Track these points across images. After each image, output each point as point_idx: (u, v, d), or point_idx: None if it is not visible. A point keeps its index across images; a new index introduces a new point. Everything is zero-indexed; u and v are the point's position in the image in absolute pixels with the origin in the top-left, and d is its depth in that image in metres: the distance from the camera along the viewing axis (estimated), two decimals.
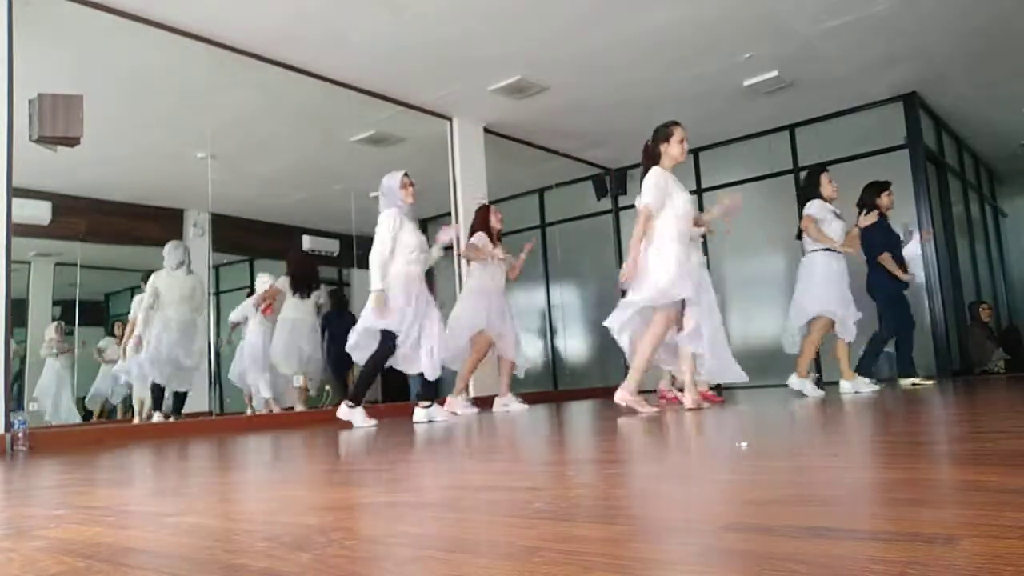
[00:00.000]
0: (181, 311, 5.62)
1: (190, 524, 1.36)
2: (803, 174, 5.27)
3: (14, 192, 4.08)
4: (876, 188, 5.39)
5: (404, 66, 5.63)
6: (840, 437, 2.41)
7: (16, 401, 4.98)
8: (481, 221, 5.53)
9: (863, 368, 5.12)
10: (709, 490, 1.49)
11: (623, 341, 4.16)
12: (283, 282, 6.22)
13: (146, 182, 6.43)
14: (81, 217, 5.97)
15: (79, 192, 5.92)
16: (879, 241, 5.27)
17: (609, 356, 8.33)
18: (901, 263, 5.31)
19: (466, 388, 5.51)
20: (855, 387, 4.86)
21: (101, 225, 6.13)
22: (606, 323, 4.16)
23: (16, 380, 5.09)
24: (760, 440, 2.39)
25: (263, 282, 6.29)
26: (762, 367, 5.81)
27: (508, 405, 5.45)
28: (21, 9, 4.19)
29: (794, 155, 7.41)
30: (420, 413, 4.50)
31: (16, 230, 4.12)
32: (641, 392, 4.10)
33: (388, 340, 4.33)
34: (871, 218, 5.18)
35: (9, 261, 4.01)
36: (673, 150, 4.12)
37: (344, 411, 4.37)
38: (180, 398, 5.64)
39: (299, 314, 6.15)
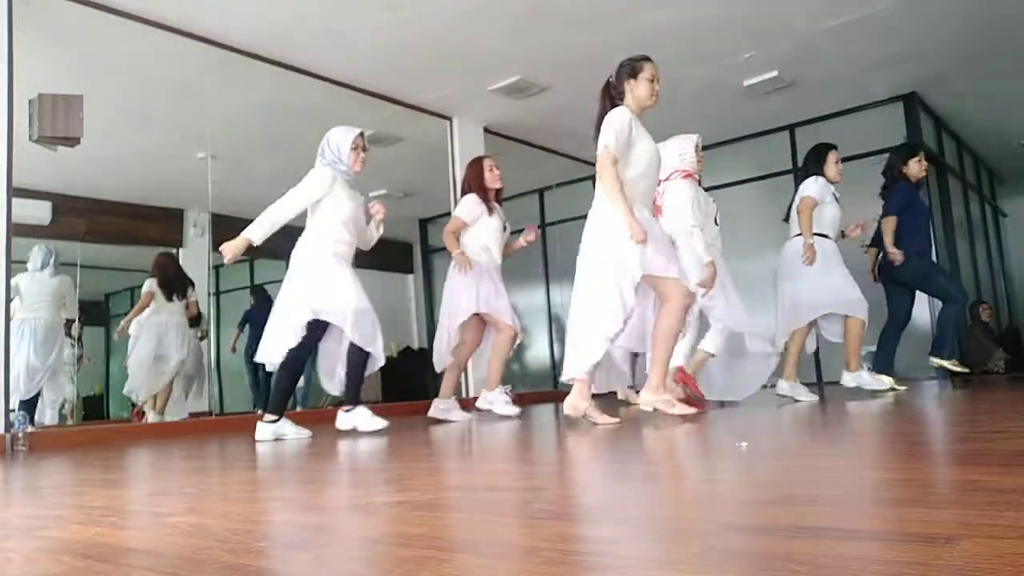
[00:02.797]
0: (44, 313, 5.49)
1: (190, 524, 1.36)
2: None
3: (14, 192, 4.08)
4: (903, 152, 4.78)
5: (404, 66, 5.63)
6: (839, 437, 2.40)
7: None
8: (473, 177, 4.44)
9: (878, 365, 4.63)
10: (709, 490, 1.48)
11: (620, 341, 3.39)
12: (150, 286, 6.00)
13: (146, 182, 6.42)
14: (81, 217, 5.95)
15: (79, 192, 5.90)
16: (897, 204, 4.61)
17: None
18: (916, 239, 4.62)
19: (500, 381, 4.47)
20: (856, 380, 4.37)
21: (101, 225, 6.10)
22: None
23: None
24: (759, 440, 2.39)
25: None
26: None
27: (492, 403, 4.42)
28: (21, 9, 4.19)
29: (794, 155, 7.40)
30: (341, 419, 3.68)
31: (16, 230, 4.13)
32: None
33: (309, 335, 3.60)
34: (855, 232, 4.55)
35: (9, 261, 4.01)
36: (640, 90, 3.41)
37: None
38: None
39: (167, 317, 5.96)
